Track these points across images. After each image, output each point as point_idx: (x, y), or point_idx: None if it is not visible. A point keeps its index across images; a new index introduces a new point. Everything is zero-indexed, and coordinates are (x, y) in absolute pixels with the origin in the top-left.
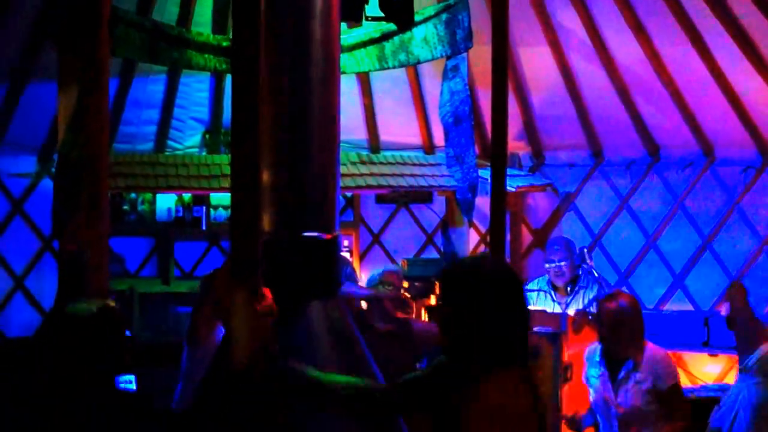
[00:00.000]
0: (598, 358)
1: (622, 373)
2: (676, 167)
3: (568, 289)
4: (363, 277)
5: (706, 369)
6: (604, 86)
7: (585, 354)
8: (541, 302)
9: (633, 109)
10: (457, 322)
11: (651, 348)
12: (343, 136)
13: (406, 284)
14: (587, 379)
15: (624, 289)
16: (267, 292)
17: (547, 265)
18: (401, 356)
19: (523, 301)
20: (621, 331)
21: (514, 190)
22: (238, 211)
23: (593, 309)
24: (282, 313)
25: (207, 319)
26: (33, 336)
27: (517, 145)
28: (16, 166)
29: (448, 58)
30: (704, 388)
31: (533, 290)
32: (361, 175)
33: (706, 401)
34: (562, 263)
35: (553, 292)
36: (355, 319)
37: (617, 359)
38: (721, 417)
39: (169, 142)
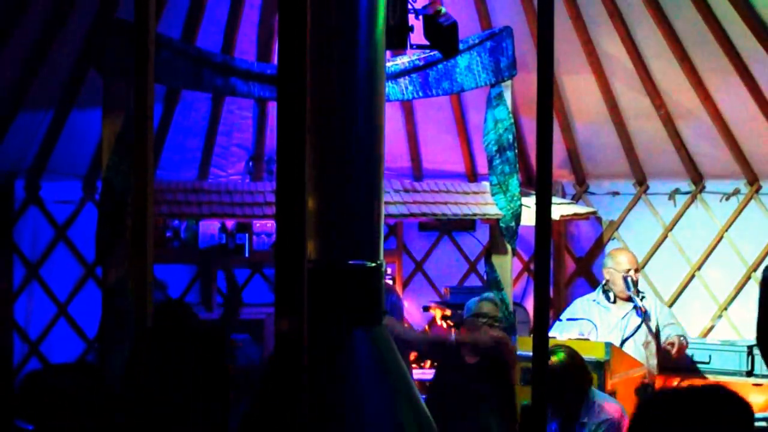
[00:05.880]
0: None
1: None
2: (720, 196)
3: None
4: (406, 305)
5: (749, 398)
6: (648, 114)
7: None
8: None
9: (677, 138)
10: None
11: (602, 407)
12: (386, 164)
13: (448, 312)
14: None
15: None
16: None
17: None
18: (492, 388)
19: None
20: (557, 389)
21: (557, 218)
22: (282, 238)
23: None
24: (326, 341)
25: None
26: None
27: (560, 173)
28: (60, 192)
29: (492, 85)
30: None
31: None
32: (404, 202)
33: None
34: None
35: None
36: (445, 353)
37: (561, 417)
38: None
39: (213, 169)
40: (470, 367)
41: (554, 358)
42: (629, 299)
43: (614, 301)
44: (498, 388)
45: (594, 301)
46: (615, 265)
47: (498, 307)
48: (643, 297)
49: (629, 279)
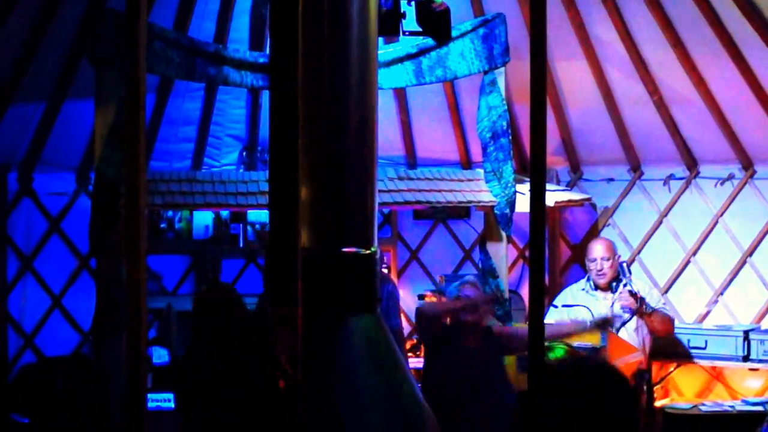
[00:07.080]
0: None
1: None
2: (715, 181)
3: (613, 286)
4: (402, 294)
5: (745, 383)
6: (642, 100)
7: None
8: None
9: (671, 123)
10: None
11: None
12: (380, 152)
13: (444, 300)
14: None
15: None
16: None
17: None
18: (492, 374)
19: None
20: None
21: (552, 205)
22: (276, 228)
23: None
24: (320, 329)
25: None
26: None
27: (554, 160)
28: (53, 184)
29: (486, 72)
30: (744, 402)
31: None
32: (399, 190)
33: (746, 415)
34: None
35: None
36: (445, 334)
37: None
38: None
39: (206, 160)
40: (471, 351)
41: (552, 355)
42: (609, 288)
43: (595, 289)
44: (500, 372)
45: (582, 290)
46: (586, 254)
47: (479, 290)
48: (625, 284)
49: (597, 262)
